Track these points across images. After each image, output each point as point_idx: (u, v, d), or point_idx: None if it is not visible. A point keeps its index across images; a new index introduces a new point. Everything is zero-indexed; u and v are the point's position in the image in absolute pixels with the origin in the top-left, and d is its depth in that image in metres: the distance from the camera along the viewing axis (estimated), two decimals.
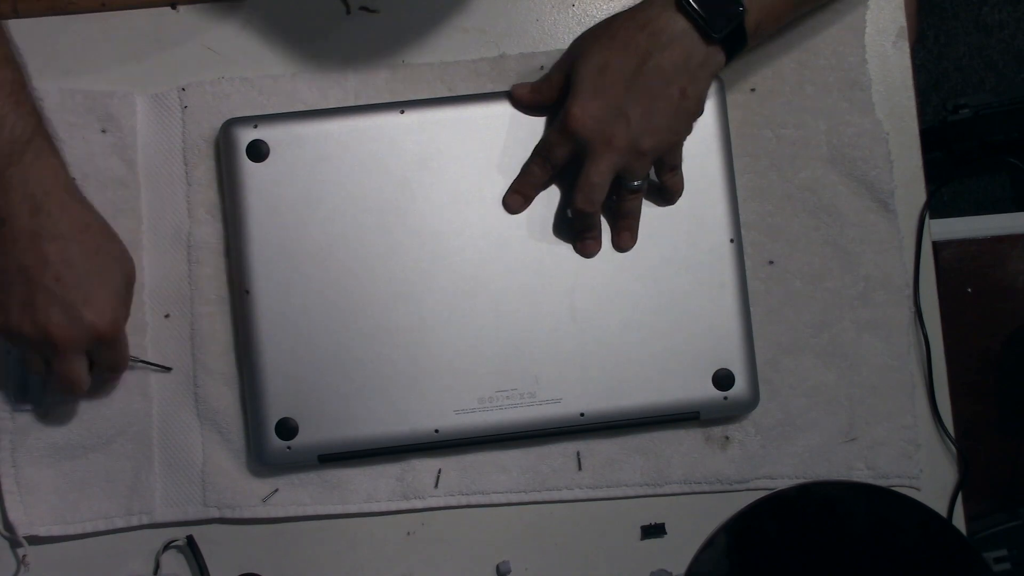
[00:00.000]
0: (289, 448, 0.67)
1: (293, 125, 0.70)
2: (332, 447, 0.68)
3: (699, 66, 0.63)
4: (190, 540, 0.72)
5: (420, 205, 0.69)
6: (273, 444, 0.68)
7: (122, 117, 0.74)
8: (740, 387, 0.69)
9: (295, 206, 0.69)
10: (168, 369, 0.73)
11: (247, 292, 0.69)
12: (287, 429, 0.67)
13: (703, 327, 0.69)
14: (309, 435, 0.68)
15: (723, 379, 0.68)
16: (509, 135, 0.70)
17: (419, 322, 0.68)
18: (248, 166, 0.69)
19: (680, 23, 0.62)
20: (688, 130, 0.66)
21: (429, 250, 0.69)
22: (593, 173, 0.65)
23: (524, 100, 0.69)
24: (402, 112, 0.70)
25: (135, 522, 0.72)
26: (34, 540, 0.72)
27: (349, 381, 0.68)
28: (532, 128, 0.70)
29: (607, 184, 0.66)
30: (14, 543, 0.71)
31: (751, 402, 0.69)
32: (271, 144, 0.70)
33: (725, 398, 0.68)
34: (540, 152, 0.69)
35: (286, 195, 0.69)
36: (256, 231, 0.69)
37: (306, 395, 0.68)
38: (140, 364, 0.72)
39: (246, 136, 0.70)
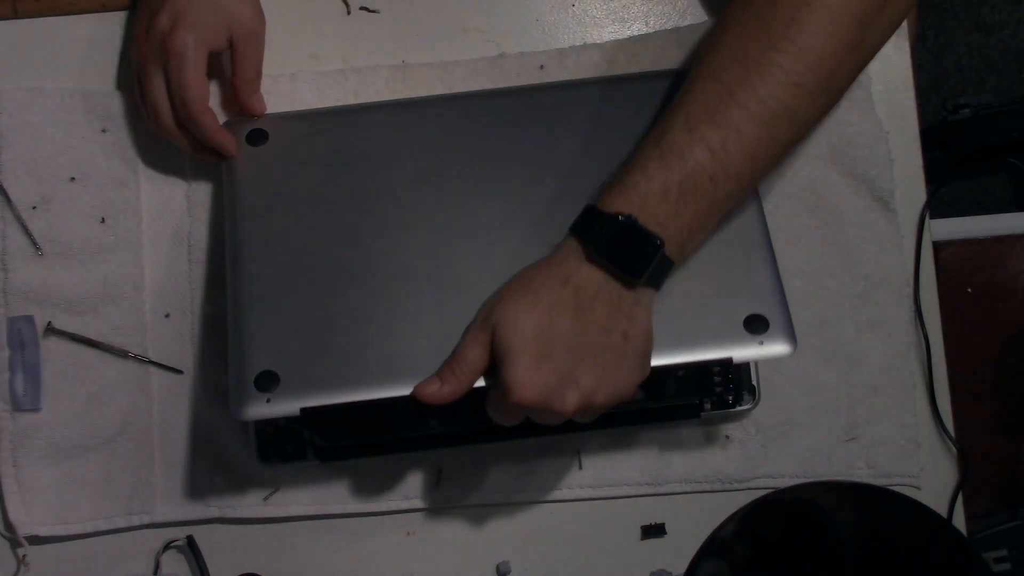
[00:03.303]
0: (269, 401, 0.63)
1: (294, 119, 0.71)
2: (315, 400, 0.63)
3: (632, 306, 0.59)
4: (190, 540, 0.72)
5: (417, 183, 0.69)
6: (252, 397, 0.63)
7: (122, 117, 0.74)
8: (775, 331, 0.63)
9: (290, 181, 0.69)
10: (179, 372, 0.73)
11: (235, 258, 0.67)
12: (267, 381, 0.63)
13: (731, 275, 0.65)
14: (290, 388, 0.63)
15: (756, 323, 0.63)
16: (507, 128, 0.70)
17: (408, 276, 0.66)
18: (245, 149, 0.70)
19: (599, 274, 0.58)
20: (643, 373, 0.59)
21: (427, 215, 0.68)
22: (515, 412, 0.59)
23: (436, 399, 0.59)
24: (401, 106, 0.71)
25: (135, 522, 0.72)
26: (34, 540, 0.72)
27: (334, 335, 0.65)
28: (531, 124, 0.70)
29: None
30: (14, 543, 0.71)
31: (788, 345, 0.63)
32: (270, 132, 0.70)
33: (760, 342, 0.63)
34: (492, 416, 0.62)
35: (281, 172, 0.69)
36: (248, 202, 0.68)
37: (289, 349, 0.64)
38: (150, 364, 0.72)
39: (246, 126, 0.70)
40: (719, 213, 0.61)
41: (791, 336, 0.63)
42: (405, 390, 0.61)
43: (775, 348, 0.63)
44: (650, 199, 0.58)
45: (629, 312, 0.58)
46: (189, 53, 0.66)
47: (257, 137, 0.70)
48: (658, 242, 0.57)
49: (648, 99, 0.69)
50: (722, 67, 0.59)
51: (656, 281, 0.59)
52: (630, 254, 0.58)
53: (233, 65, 0.70)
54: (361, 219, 0.68)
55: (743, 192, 0.61)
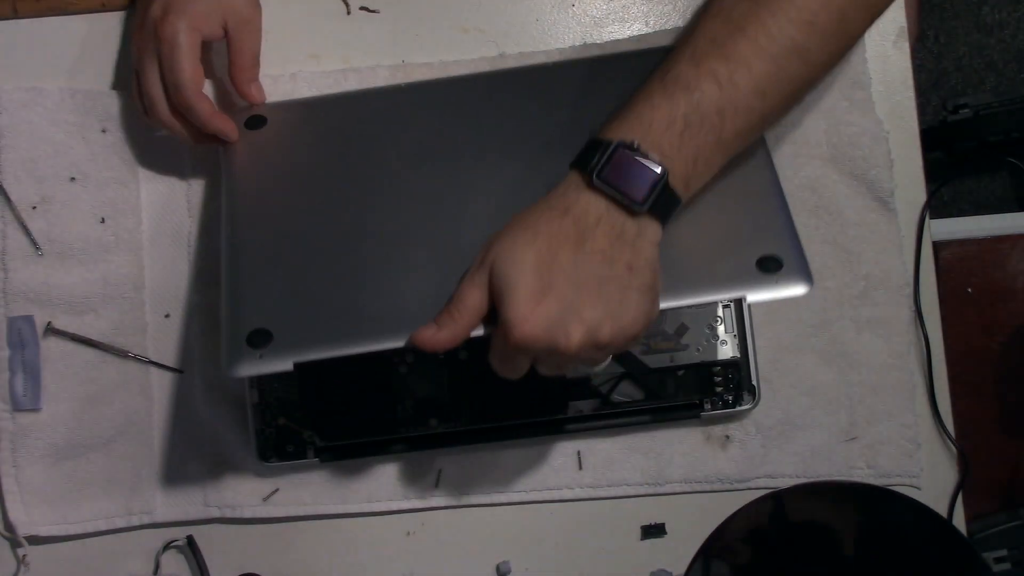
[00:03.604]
0: (261, 357, 0.61)
1: (291, 106, 0.71)
2: (308, 355, 0.61)
3: (636, 237, 0.55)
4: (190, 540, 0.72)
5: (413, 154, 0.68)
6: (245, 354, 0.61)
7: (122, 117, 0.74)
8: (789, 270, 0.60)
9: (286, 158, 0.69)
10: (179, 371, 0.73)
11: (231, 226, 0.67)
12: (261, 338, 0.61)
13: (741, 217, 0.63)
14: (284, 344, 0.62)
15: (769, 263, 0.60)
16: (502, 103, 0.70)
17: (403, 233, 0.65)
18: (244, 133, 0.70)
19: (600, 202, 0.55)
20: (651, 311, 0.56)
21: (423, 179, 0.67)
22: (518, 356, 0.56)
23: (433, 344, 0.56)
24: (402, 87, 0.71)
25: (135, 522, 0.72)
26: (34, 540, 0.72)
27: (327, 291, 0.64)
28: (526, 99, 0.69)
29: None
30: (14, 543, 0.72)
31: (803, 284, 0.59)
32: (268, 117, 0.70)
33: (775, 282, 0.60)
34: (494, 366, 0.58)
35: (278, 151, 0.69)
36: (244, 177, 0.68)
37: (282, 307, 0.63)
38: (150, 364, 0.72)
39: (245, 113, 0.71)
40: (726, 151, 0.58)
41: (806, 275, 0.59)
42: (400, 342, 0.59)
43: (790, 288, 0.59)
44: (654, 128, 0.56)
45: (633, 243, 0.55)
46: (181, 38, 0.65)
47: (256, 122, 0.70)
48: (660, 170, 0.55)
49: (643, 72, 0.66)
50: (731, 6, 0.58)
51: (660, 213, 0.56)
52: (635, 178, 0.55)
53: (230, 54, 0.70)
54: (356, 187, 0.67)
55: (751, 131, 0.59)
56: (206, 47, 0.69)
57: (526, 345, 0.53)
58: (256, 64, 0.71)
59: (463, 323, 0.56)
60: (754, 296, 0.59)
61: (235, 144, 0.70)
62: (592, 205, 0.55)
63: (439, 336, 0.56)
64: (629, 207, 0.55)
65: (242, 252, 0.65)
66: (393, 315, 0.61)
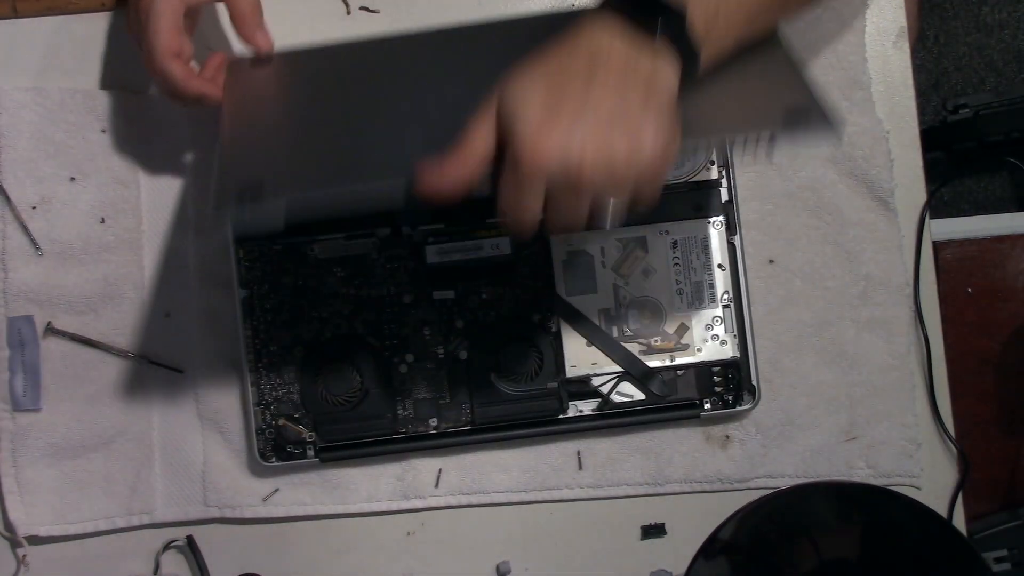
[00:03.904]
0: (252, 204, 0.58)
1: (299, 51, 0.70)
2: (300, 214, 0.60)
3: (650, 73, 0.52)
4: (190, 540, 0.72)
5: (412, 67, 0.67)
6: (234, 204, 0.58)
7: (122, 117, 0.74)
8: (815, 117, 0.56)
9: (285, 76, 0.68)
10: (179, 371, 0.73)
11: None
12: (251, 189, 0.58)
13: (761, 82, 0.60)
14: (275, 191, 0.59)
15: (795, 114, 0.56)
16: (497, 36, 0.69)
17: (400, 93, 0.64)
18: (246, 69, 0.68)
19: (613, 33, 0.53)
20: (671, 144, 0.52)
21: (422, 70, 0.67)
22: (529, 189, 0.51)
23: (437, 184, 0.52)
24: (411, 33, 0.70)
25: (135, 522, 0.72)
26: (34, 540, 0.72)
27: (322, 147, 0.62)
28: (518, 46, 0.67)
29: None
30: (14, 543, 0.72)
31: (830, 129, 0.56)
32: (273, 59, 0.69)
33: (804, 129, 0.56)
34: (504, 208, 0.53)
35: (281, 72, 0.68)
36: (243, 89, 0.66)
37: (275, 162, 0.61)
38: (151, 365, 0.72)
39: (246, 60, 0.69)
40: (747, 17, 0.56)
41: (833, 124, 0.55)
42: (398, 183, 0.55)
43: (818, 134, 0.55)
44: None
45: (648, 79, 0.52)
46: (157, 6, 0.63)
47: (259, 61, 0.69)
48: (678, 4, 0.52)
49: None
50: None
51: (679, 47, 0.53)
52: (646, 4, 0.52)
53: (228, 8, 0.67)
54: (356, 74, 0.66)
55: (772, 7, 0.58)
56: (194, 15, 0.67)
57: (538, 167, 0.50)
58: (258, 10, 0.68)
59: (469, 160, 0.52)
60: (792, 141, 0.57)
61: (236, 73, 0.67)
62: (605, 35, 0.53)
63: (443, 175, 0.51)
64: (643, 33, 0.53)
65: (237, 121, 0.63)
66: (391, 162, 0.58)
